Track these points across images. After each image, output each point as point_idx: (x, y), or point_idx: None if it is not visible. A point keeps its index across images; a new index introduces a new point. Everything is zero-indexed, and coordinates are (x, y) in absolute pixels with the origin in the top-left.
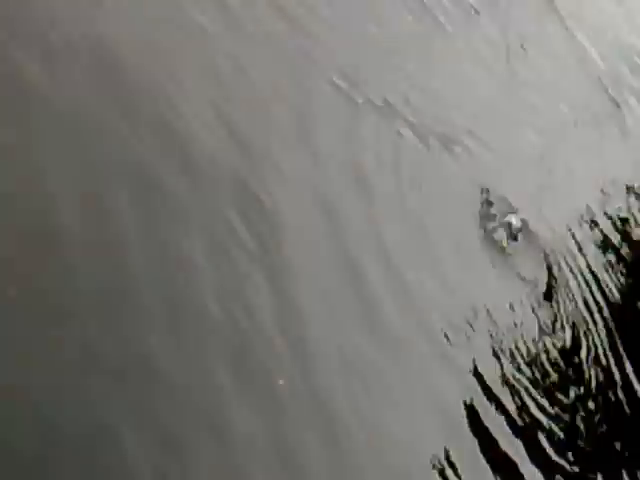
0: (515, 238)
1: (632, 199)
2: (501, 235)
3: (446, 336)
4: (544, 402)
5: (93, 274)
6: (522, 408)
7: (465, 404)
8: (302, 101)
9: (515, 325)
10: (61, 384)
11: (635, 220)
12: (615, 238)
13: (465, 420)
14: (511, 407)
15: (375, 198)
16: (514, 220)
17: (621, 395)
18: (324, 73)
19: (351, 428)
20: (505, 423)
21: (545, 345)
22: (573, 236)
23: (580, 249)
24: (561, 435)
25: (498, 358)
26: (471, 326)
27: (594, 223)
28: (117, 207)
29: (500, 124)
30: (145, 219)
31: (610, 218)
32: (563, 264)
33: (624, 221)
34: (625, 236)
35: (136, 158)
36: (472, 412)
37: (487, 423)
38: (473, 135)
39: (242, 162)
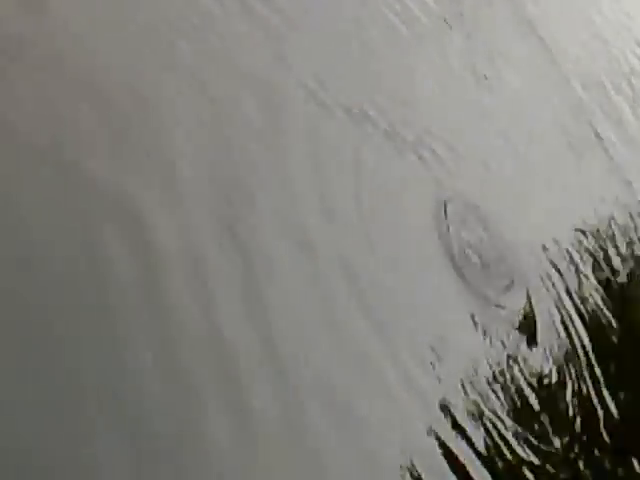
0: (485, 258)
1: (607, 224)
2: (469, 254)
3: (413, 364)
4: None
5: None
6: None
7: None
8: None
9: (484, 354)
10: None
11: (616, 246)
12: (593, 263)
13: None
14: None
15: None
16: (484, 237)
17: (603, 430)
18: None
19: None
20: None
21: (518, 374)
22: (548, 257)
23: (557, 272)
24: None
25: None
26: (437, 355)
27: (572, 245)
28: None
29: (474, 137)
30: None
31: (589, 241)
32: (538, 286)
33: (603, 246)
34: (604, 261)
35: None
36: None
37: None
38: (445, 143)
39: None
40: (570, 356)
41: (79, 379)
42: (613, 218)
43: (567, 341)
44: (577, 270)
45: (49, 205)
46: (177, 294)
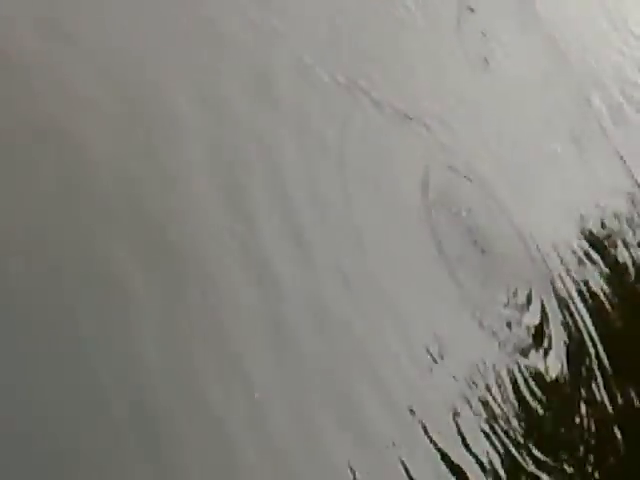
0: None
1: (610, 217)
2: (469, 250)
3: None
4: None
5: None
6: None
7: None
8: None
9: (486, 360)
10: None
11: (623, 239)
12: (600, 259)
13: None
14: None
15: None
16: (487, 230)
17: (619, 435)
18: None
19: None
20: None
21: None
22: (556, 250)
23: (565, 269)
24: None
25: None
26: (434, 360)
27: (578, 240)
28: None
29: (470, 115)
30: None
31: (594, 236)
32: (546, 283)
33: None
34: (610, 257)
35: None
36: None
37: None
38: (446, 124)
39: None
40: (581, 357)
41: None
42: (617, 209)
43: (578, 340)
44: (584, 263)
45: None
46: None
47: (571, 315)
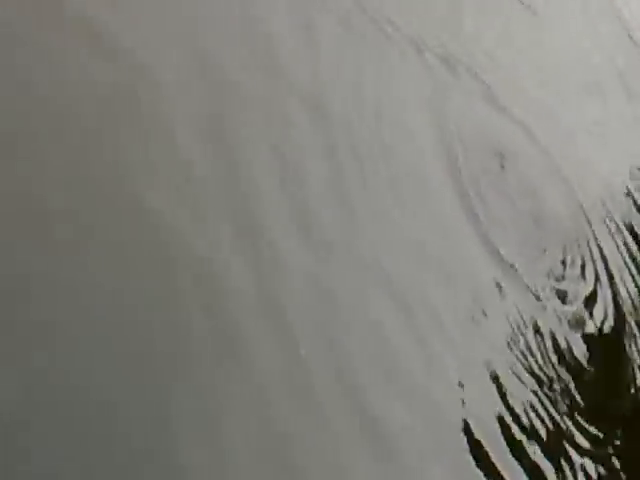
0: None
1: None
2: (509, 208)
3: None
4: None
5: None
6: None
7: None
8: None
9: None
10: None
11: None
12: None
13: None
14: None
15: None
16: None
17: None
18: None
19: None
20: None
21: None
22: (602, 206)
23: (619, 224)
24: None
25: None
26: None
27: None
28: None
29: (521, 68)
30: None
31: None
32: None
33: None
34: None
35: None
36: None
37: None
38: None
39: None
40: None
41: None
42: None
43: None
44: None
45: None
46: None
47: (623, 278)
